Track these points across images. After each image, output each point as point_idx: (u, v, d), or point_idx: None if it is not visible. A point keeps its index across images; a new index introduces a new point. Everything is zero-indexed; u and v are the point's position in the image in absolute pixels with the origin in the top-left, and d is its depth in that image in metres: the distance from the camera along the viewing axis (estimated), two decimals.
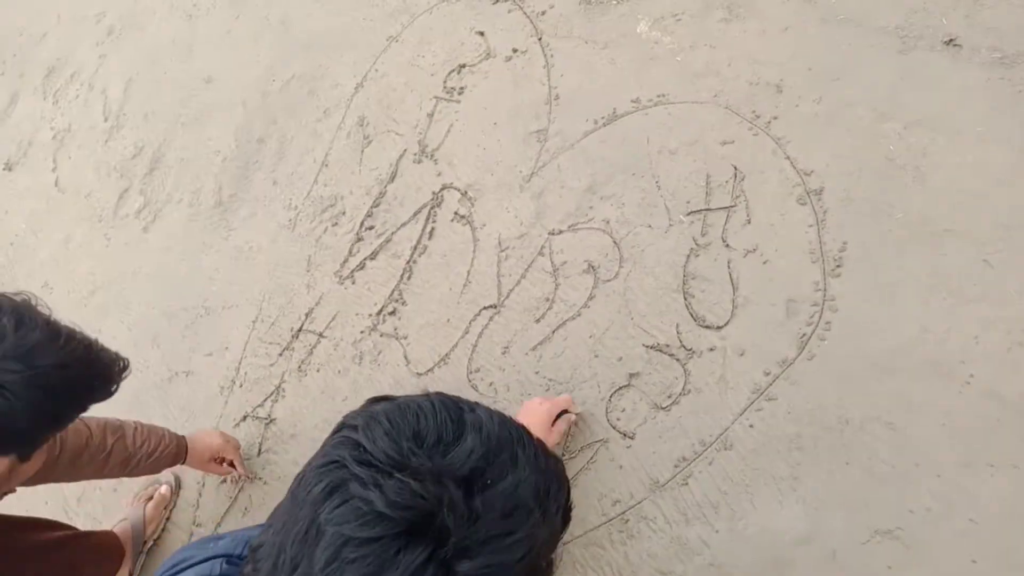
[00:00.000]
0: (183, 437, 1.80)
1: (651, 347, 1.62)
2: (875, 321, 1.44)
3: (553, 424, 1.54)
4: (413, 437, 0.65)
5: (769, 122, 1.68)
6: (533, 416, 1.50)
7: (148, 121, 2.73)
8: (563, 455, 1.62)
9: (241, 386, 2.08)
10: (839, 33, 1.68)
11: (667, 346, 1.60)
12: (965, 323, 1.37)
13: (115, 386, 1.23)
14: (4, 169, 3.08)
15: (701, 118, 1.75)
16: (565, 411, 1.58)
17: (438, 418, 0.67)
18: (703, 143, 1.73)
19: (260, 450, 1.97)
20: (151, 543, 1.96)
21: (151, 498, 1.99)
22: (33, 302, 1.15)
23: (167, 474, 2.05)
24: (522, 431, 0.72)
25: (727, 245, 1.62)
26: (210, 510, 1.97)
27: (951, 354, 1.37)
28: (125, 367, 1.25)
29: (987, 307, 1.37)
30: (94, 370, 1.18)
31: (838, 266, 1.50)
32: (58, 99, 3.08)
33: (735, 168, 1.67)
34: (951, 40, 1.56)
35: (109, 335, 2.40)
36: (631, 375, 1.62)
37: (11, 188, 3.02)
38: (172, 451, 1.75)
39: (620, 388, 1.62)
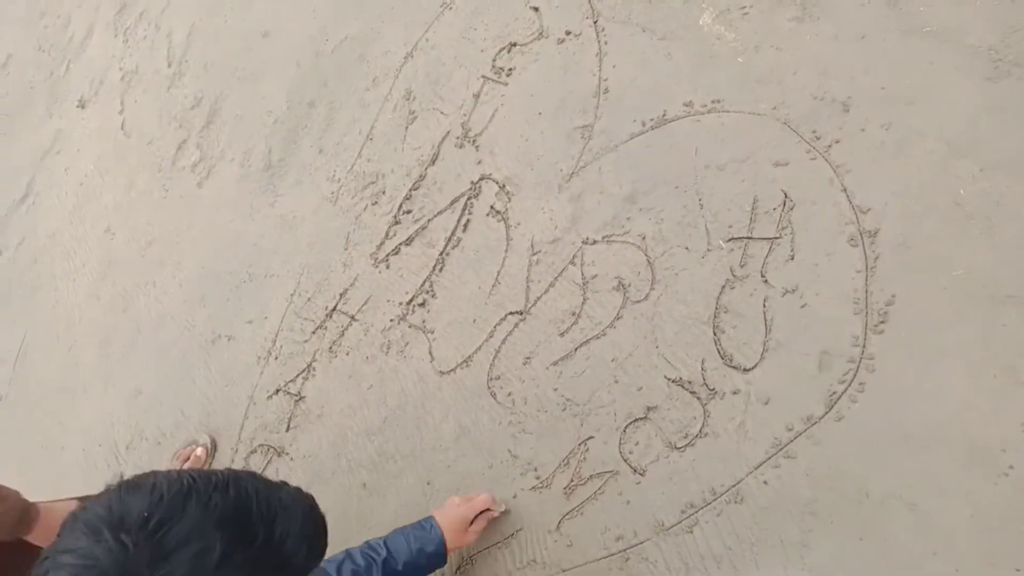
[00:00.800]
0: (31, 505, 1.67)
1: (673, 381, 1.55)
2: (914, 389, 1.32)
3: (471, 524, 1.57)
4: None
5: (830, 145, 1.52)
6: (449, 518, 1.55)
7: (207, 71, 2.73)
8: (571, 481, 1.60)
9: (276, 359, 2.13)
10: (922, 48, 1.48)
11: (689, 382, 1.53)
12: (1013, 407, 1.24)
13: None
14: (78, 106, 3.17)
15: (756, 132, 1.60)
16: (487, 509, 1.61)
17: None
18: (755, 161, 1.59)
19: (289, 426, 2.03)
20: None
21: (188, 459, 2.10)
22: None
23: (204, 436, 2.15)
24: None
25: (766, 281, 1.51)
26: None
27: (992, 439, 1.24)
28: None
29: None
30: None
31: (882, 321, 1.37)
32: (128, 38, 3.12)
33: (785, 194, 1.53)
34: None
35: (162, 289, 2.50)
36: (649, 408, 1.56)
37: (83, 127, 3.12)
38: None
39: (636, 420, 1.56)
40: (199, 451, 2.10)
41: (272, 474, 2.00)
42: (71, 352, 2.68)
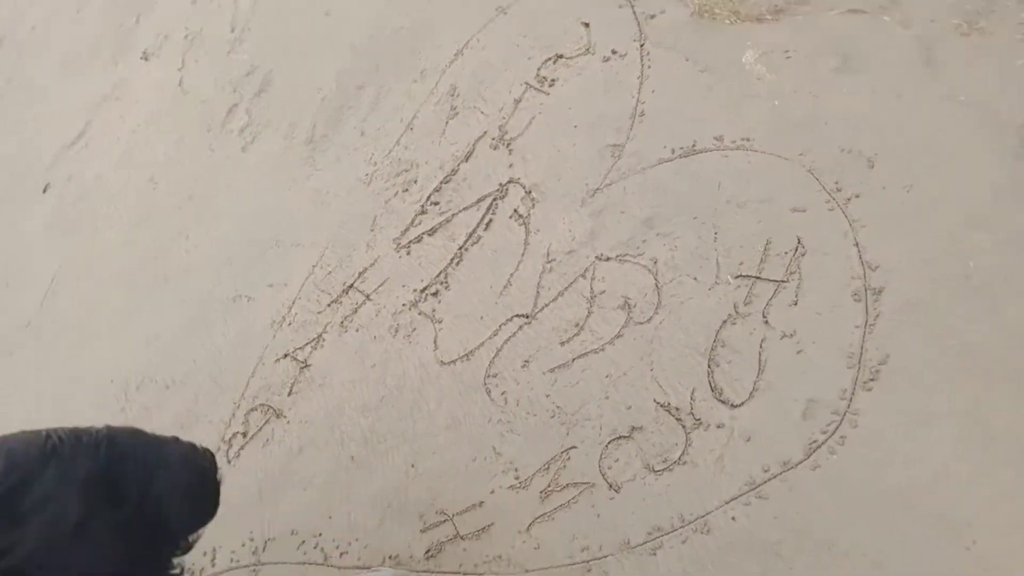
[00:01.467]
0: None
1: (661, 405, 1.58)
2: (893, 451, 1.34)
3: None
4: None
5: (850, 199, 1.54)
6: None
7: (267, 42, 2.82)
8: (548, 486, 1.64)
9: (290, 325, 2.20)
10: (956, 116, 1.49)
11: (677, 409, 1.56)
12: (986, 484, 1.25)
13: None
14: (142, 58, 3.28)
15: (780, 176, 1.63)
16: None
17: None
18: (774, 204, 1.61)
19: (291, 390, 2.10)
20: None
21: None
22: None
23: None
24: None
25: (766, 322, 1.53)
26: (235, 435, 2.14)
27: (960, 512, 1.26)
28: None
29: (1016, 475, 1.24)
30: None
31: (872, 379, 1.39)
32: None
33: (799, 240, 1.56)
34: None
35: (194, 243, 2.59)
36: (634, 428, 1.59)
37: (144, 78, 3.23)
38: None
39: (620, 437, 1.60)
40: None
41: (268, 433, 2.08)
42: (99, 290, 2.79)
